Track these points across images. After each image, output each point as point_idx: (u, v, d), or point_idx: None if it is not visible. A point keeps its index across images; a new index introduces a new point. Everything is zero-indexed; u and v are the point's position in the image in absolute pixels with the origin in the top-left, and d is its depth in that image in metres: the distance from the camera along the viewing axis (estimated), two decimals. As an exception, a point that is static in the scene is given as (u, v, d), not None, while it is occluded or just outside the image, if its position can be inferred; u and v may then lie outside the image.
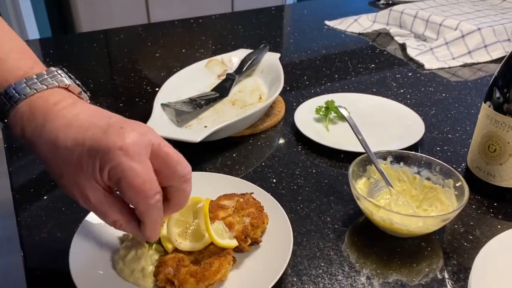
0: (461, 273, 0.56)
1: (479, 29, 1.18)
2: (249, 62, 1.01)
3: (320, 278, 0.55)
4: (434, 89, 1.04)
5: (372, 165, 0.66)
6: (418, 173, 0.67)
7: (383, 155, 0.68)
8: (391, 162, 0.68)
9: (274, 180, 0.74)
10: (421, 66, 1.16)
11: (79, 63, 1.18)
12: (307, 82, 1.08)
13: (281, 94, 0.96)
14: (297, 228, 0.63)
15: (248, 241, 0.56)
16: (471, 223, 0.65)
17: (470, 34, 1.19)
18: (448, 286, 0.54)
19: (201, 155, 0.79)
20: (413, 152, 0.68)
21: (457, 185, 0.63)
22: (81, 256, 0.53)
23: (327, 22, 1.49)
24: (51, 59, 1.20)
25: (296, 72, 1.14)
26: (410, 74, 1.13)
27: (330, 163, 0.78)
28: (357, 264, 0.58)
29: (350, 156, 0.69)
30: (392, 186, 0.65)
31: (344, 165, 0.77)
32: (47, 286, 0.54)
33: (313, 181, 0.74)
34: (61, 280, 0.52)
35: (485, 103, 0.67)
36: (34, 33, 2.52)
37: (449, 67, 1.16)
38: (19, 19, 2.45)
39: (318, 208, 0.67)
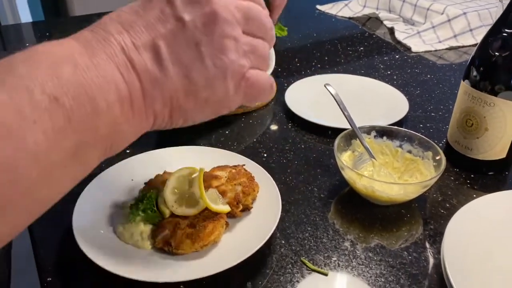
0: (437, 236, 0.61)
1: (464, 13, 1.22)
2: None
3: (306, 241, 0.60)
4: (420, 71, 1.09)
5: (357, 139, 0.70)
6: (400, 146, 0.71)
7: (367, 130, 0.72)
8: (374, 136, 0.72)
9: (265, 155, 0.78)
10: (408, 49, 1.20)
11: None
12: (298, 64, 1.11)
13: (273, 75, 0.99)
14: (286, 197, 0.67)
15: (240, 207, 0.60)
16: (449, 193, 0.69)
17: (456, 18, 1.22)
18: (426, 248, 0.59)
19: (197, 132, 0.83)
20: (396, 127, 0.73)
21: (436, 158, 0.67)
22: (84, 217, 0.57)
23: (318, 7, 1.52)
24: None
25: (288, 54, 1.17)
26: (397, 56, 1.16)
27: (318, 139, 0.82)
28: (341, 229, 0.62)
29: (337, 132, 0.73)
30: (375, 159, 0.69)
31: (331, 141, 0.80)
32: (51, 244, 0.58)
33: (302, 155, 0.78)
34: (65, 239, 0.56)
35: (463, 81, 0.71)
36: (26, 17, 2.52)
37: (435, 50, 1.20)
38: (11, 2, 2.45)
39: (305, 179, 0.72)
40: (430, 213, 0.65)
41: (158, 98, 0.33)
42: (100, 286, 0.53)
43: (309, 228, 0.62)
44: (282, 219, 0.63)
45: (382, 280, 0.54)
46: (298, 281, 0.54)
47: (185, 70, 0.33)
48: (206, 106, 0.36)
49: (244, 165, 0.67)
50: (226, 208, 0.59)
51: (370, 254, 0.58)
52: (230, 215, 0.60)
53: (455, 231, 0.56)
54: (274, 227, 0.57)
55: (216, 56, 0.34)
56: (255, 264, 0.56)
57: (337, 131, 0.71)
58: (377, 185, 0.62)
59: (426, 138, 0.69)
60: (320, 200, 0.67)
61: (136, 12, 0.33)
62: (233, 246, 0.56)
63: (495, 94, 0.66)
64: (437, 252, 0.58)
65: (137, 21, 0.33)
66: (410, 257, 0.58)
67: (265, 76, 0.38)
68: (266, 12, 0.38)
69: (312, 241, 0.60)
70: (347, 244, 0.60)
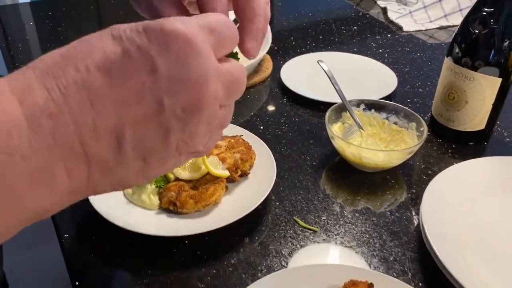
0: (418, 199, 0.67)
1: (455, -7, 1.26)
2: (238, 24, 1.08)
3: (298, 203, 0.66)
4: (410, 49, 1.13)
5: (347, 111, 0.76)
6: (387, 118, 0.77)
7: (357, 103, 0.77)
8: (363, 109, 0.78)
9: (262, 127, 0.83)
10: (400, 28, 1.24)
11: (72, 26, 1.24)
12: (293, 43, 1.16)
13: (269, 53, 1.04)
14: (280, 165, 0.72)
15: (238, 172, 0.66)
16: (431, 161, 0.75)
17: (447, -2, 1.26)
18: (407, 210, 0.65)
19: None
20: (383, 100, 0.78)
21: (420, 128, 0.72)
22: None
23: (314, -13, 1.55)
24: (43, 22, 1.26)
25: (284, 33, 1.22)
26: (389, 36, 1.21)
27: (312, 113, 0.88)
28: (330, 193, 0.68)
29: (329, 106, 0.78)
30: (363, 129, 0.74)
31: (324, 114, 0.85)
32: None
33: (296, 128, 0.83)
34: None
35: (447, 57, 0.76)
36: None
37: (426, 30, 1.24)
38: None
39: (299, 149, 0.77)
40: (413, 179, 0.71)
41: (104, 183, 0.29)
42: (113, 241, 0.59)
43: (301, 192, 0.68)
44: (277, 184, 0.69)
45: (367, 236, 0.60)
46: (291, 237, 0.60)
47: (145, 155, 0.28)
48: (150, 177, 0.31)
49: (242, 135, 0.72)
50: (225, 173, 0.64)
51: (357, 215, 0.64)
52: (230, 180, 0.66)
53: (434, 191, 0.62)
54: (269, 190, 0.62)
55: (182, 141, 0.29)
56: (252, 222, 0.61)
57: (329, 105, 0.76)
58: (364, 153, 0.67)
59: (411, 111, 0.74)
60: (312, 168, 0.73)
61: (108, 74, 0.26)
62: (232, 206, 0.62)
63: (475, 69, 0.71)
64: (417, 213, 0.64)
65: (108, 94, 0.26)
66: (392, 217, 0.64)
67: (215, 142, 0.34)
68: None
69: (304, 203, 0.66)
70: (336, 206, 0.66)
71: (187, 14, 0.37)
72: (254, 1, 0.35)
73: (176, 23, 0.27)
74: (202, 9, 0.34)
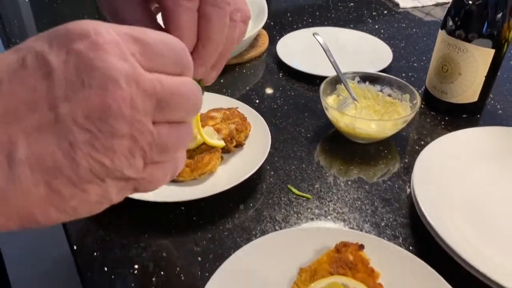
0: (410, 168, 0.68)
1: (452, -31, 1.26)
2: None
3: (292, 172, 0.67)
4: (406, 25, 1.13)
5: (342, 84, 0.76)
6: (381, 90, 0.77)
7: (351, 76, 0.78)
8: (358, 81, 0.78)
9: (257, 101, 0.84)
10: (396, 5, 1.24)
11: (68, 1, 1.24)
12: (290, 19, 1.16)
13: (265, 28, 1.04)
14: (275, 137, 0.73)
15: (234, 143, 0.67)
16: (424, 132, 0.76)
17: (444, -25, 1.26)
18: (399, 178, 0.66)
19: (192, 80, 0.88)
20: (377, 73, 0.79)
21: (413, 100, 0.73)
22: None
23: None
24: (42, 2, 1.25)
25: (280, 9, 1.21)
26: (385, 12, 1.21)
27: (307, 87, 0.88)
28: (324, 164, 0.69)
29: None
30: (357, 101, 0.75)
31: (319, 89, 0.86)
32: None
33: (291, 101, 0.84)
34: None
35: (441, 30, 0.77)
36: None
37: (423, 6, 1.24)
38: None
39: (294, 122, 0.78)
40: (406, 150, 0.72)
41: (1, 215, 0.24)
42: (111, 207, 0.60)
43: (295, 162, 0.69)
44: (271, 155, 0.70)
45: (359, 202, 0.62)
46: (284, 204, 0.61)
47: (48, 178, 0.23)
48: (77, 213, 0.26)
49: (237, 107, 0.73)
50: (221, 143, 0.65)
51: (350, 183, 0.65)
52: (225, 150, 0.67)
53: (426, 159, 0.63)
54: (264, 159, 0.63)
55: (95, 160, 0.24)
56: (247, 190, 0.63)
57: (324, 79, 0.77)
58: (358, 123, 0.68)
59: (405, 82, 0.75)
60: (306, 139, 0.74)
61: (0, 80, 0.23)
62: (227, 175, 0.63)
63: (468, 41, 0.72)
64: (409, 181, 0.65)
65: None
66: (385, 185, 0.65)
67: (166, 170, 0.28)
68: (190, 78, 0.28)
69: (298, 172, 0.67)
70: (329, 176, 0.67)
71: (152, 18, 0.34)
72: (212, 23, 0.31)
73: (86, 24, 0.24)
74: (165, 21, 0.31)
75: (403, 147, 0.73)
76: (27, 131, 0.23)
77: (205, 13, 0.31)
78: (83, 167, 0.24)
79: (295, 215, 0.60)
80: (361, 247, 0.49)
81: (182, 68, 0.28)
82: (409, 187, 0.64)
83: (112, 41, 0.24)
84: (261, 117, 0.72)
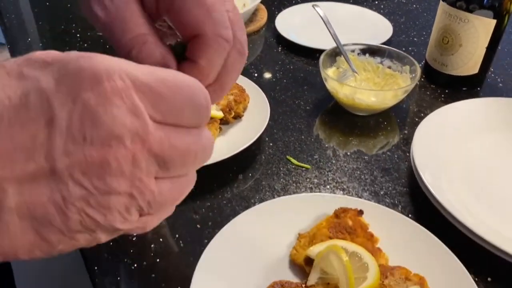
0: (410, 139, 0.67)
1: None
2: None
3: (291, 144, 0.66)
4: (406, 1, 1.12)
5: (341, 56, 0.75)
6: (381, 63, 0.77)
7: (351, 48, 0.77)
8: (358, 54, 0.77)
9: (256, 75, 0.83)
10: (397, -20, 1.22)
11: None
12: (288, -5, 1.14)
13: (264, 3, 1.03)
14: (274, 109, 0.73)
15: (232, 114, 0.66)
16: (424, 105, 0.75)
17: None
18: (399, 149, 0.66)
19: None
20: (377, 45, 0.78)
21: (414, 72, 0.72)
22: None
23: None
24: None
25: (279, -15, 1.20)
26: (386, -13, 1.19)
27: (306, 61, 0.87)
28: (323, 135, 0.69)
29: (323, 52, 0.78)
30: (357, 73, 0.74)
31: (318, 62, 0.86)
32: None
33: (290, 75, 0.83)
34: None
35: (442, 1, 0.75)
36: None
37: (423, -18, 1.22)
38: None
39: (293, 95, 0.77)
40: (406, 122, 0.72)
41: None
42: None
43: (294, 134, 0.68)
44: (270, 126, 0.69)
45: (358, 172, 0.61)
46: (284, 173, 0.61)
47: (37, 227, 0.22)
48: (61, 252, 0.25)
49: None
50: (219, 114, 0.65)
51: (349, 154, 0.65)
52: (224, 121, 0.66)
53: (426, 128, 0.63)
54: (263, 129, 0.63)
55: (88, 215, 0.23)
56: (246, 161, 0.62)
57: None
58: (357, 93, 0.68)
59: (404, 53, 0.74)
60: (306, 112, 0.73)
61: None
62: (226, 145, 0.62)
63: (470, 11, 0.71)
64: (408, 151, 0.65)
65: None
66: (384, 156, 0.65)
67: (160, 218, 0.28)
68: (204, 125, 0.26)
69: (297, 143, 0.67)
70: (328, 147, 0.66)
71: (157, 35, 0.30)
72: (235, 71, 0.30)
73: (98, 65, 0.22)
74: (195, 48, 0.28)
75: (402, 119, 0.72)
76: (20, 179, 0.21)
77: (232, 59, 0.29)
78: (74, 221, 0.23)
79: (294, 184, 0.59)
80: (360, 212, 0.49)
81: (199, 121, 0.25)
82: (409, 157, 0.64)
83: (124, 91, 0.22)
84: (259, 89, 0.71)
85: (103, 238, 0.25)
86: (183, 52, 0.29)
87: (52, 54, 0.23)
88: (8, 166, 0.21)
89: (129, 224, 0.25)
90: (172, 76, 0.24)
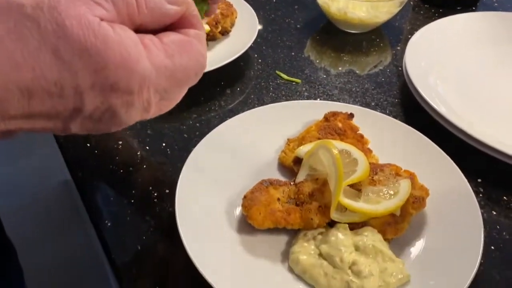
0: (402, 53, 0.65)
1: None
2: None
3: (281, 60, 0.64)
4: None
5: (333, -29, 0.72)
6: (374, -22, 0.73)
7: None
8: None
9: (244, -3, 0.80)
10: None
11: None
12: None
13: None
14: (264, 28, 0.70)
15: (219, 28, 0.63)
16: (418, 23, 0.73)
17: None
18: (391, 64, 0.64)
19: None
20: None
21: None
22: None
23: None
24: None
25: None
26: None
27: (297, -18, 0.84)
28: (315, 52, 0.67)
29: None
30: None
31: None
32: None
33: (280, -5, 0.80)
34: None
35: None
36: None
37: None
38: None
39: (283, 14, 0.75)
40: (397, 38, 0.70)
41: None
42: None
43: (284, 51, 0.66)
44: (259, 44, 0.67)
45: (349, 85, 0.60)
46: (273, 88, 0.59)
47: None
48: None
49: (223, -3, 0.69)
50: (205, 27, 0.62)
51: (340, 68, 0.63)
52: (211, 37, 0.64)
53: (419, 38, 0.61)
54: (251, 42, 0.61)
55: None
56: (234, 76, 0.61)
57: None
58: (350, 7, 0.65)
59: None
60: (296, 30, 0.71)
61: None
62: (213, 59, 0.60)
63: None
64: (401, 66, 0.63)
65: None
66: (376, 70, 0.63)
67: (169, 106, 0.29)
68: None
69: (287, 60, 0.64)
70: (319, 63, 0.64)
71: None
72: None
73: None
74: None
75: (395, 36, 0.70)
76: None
77: None
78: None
79: (284, 98, 0.58)
80: (351, 116, 0.48)
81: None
82: (401, 71, 0.62)
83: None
84: (247, 4, 0.68)
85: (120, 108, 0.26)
86: None
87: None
88: None
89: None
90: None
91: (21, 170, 1.45)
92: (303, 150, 0.44)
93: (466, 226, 0.39)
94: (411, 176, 0.42)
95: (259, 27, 0.64)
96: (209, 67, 0.56)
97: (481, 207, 0.43)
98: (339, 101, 0.57)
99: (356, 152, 0.42)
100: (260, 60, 0.64)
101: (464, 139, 0.48)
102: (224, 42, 0.64)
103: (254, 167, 0.46)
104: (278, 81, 0.61)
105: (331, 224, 0.39)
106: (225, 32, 0.65)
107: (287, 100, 0.57)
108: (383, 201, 0.39)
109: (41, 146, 1.43)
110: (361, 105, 0.57)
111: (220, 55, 0.61)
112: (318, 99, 0.58)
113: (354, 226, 0.39)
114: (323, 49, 0.67)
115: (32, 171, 1.45)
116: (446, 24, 0.65)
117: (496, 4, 0.79)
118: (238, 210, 0.41)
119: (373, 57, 0.66)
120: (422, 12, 0.76)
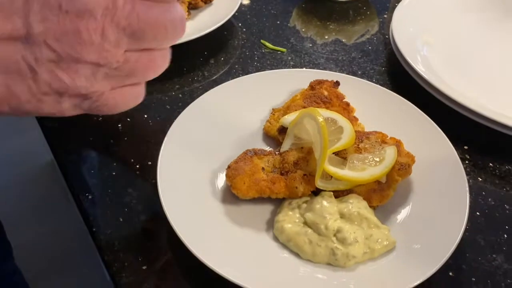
0: (389, 23, 0.64)
1: None
2: None
3: (266, 29, 0.63)
4: None
5: None
6: None
7: None
8: None
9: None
10: None
11: None
12: None
13: None
14: (248, -4, 0.68)
15: (201, -4, 0.61)
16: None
17: None
18: (379, 32, 0.63)
19: None
20: None
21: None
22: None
23: None
24: None
25: None
26: None
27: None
28: (301, 21, 0.65)
29: None
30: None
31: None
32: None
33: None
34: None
35: None
36: None
37: None
38: None
39: (268, -18, 0.72)
40: (384, 6, 0.68)
41: None
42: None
43: (270, 20, 0.65)
44: (243, 13, 0.65)
45: (335, 54, 0.59)
46: (258, 57, 0.58)
47: (8, 80, 0.24)
48: (28, 113, 0.27)
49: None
50: (186, -3, 0.60)
51: (326, 37, 0.62)
52: (193, 6, 0.62)
53: (408, 5, 0.60)
54: (234, 11, 0.59)
55: (55, 78, 0.25)
56: (217, 46, 0.59)
57: None
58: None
59: None
60: (282, -2, 0.69)
61: None
62: (194, 28, 0.58)
63: None
64: (388, 34, 0.62)
65: None
66: (363, 39, 0.62)
67: (126, 97, 0.28)
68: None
69: (272, 29, 0.63)
70: (305, 31, 0.63)
71: None
72: None
73: None
74: None
75: (382, 4, 0.69)
76: None
77: None
78: (44, 80, 0.25)
79: (269, 67, 0.57)
80: (337, 84, 0.47)
81: None
82: (388, 39, 0.61)
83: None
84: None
85: (68, 108, 0.27)
86: None
87: None
88: None
89: (94, 88, 0.26)
90: None
91: (10, 150, 1.44)
92: (288, 119, 0.43)
93: (452, 193, 0.39)
94: (397, 143, 0.41)
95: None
96: (191, 36, 0.54)
97: (467, 173, 0.42)
98: (326, 70, 0.56)
99: (341, 120, 0.41)
100: (244, 29, 0.62)
101: (451, 105, 0.47)
102: (207, 10, 0.63)
103: (238, 137, 0.45)
104: (263, 51, 0.59)
105: (316, 192, 0.39)
106: (207, 1, 0.63)
107: (272, 69, 0.56)
108: (369, 168, 0.38)
109: (32, 126, 1.41)
110: (348, 74, 0.56)
111: (203, 24, 0.59)
112: (304, 68, 0.57)
113: (339, 194, 0.39)
114: (309, 18, 0.66)
115: (20, 151, 1.43)
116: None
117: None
118: (222, 180, 0.41)
119: (360, 26, 0.65)
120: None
